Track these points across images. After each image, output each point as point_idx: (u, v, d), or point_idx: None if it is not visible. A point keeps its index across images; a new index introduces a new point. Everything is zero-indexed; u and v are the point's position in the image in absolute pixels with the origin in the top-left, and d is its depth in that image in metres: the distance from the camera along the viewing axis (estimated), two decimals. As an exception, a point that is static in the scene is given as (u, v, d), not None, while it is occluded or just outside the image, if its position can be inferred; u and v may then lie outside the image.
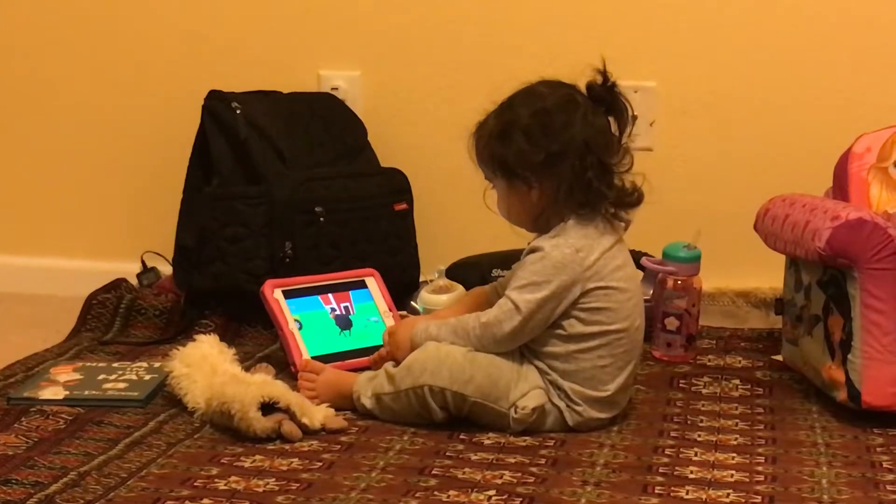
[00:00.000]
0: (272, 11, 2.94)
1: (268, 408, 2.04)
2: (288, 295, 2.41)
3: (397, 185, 2.78)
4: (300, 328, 2.39)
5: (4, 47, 3.04)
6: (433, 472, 1.91)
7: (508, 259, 2.28)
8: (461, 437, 2.07)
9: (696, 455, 2.01)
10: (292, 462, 1.94)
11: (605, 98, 2.11)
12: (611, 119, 2.11)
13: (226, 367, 2.18)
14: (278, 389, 2.07)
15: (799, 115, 2.80)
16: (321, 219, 2.64)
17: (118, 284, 2.81)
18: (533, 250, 2.09)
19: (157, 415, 2.15)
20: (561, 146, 2.07)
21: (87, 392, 2.22)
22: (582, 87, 2.12)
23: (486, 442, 2.05)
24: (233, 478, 1.87)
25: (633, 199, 2.13)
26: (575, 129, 2.07)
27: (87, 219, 3.06)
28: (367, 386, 2.16)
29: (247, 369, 2.25)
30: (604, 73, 2.10)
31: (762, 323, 2.75)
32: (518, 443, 2.05)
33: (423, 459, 1.96)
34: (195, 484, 1.84)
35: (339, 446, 2.02)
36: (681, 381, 2.40)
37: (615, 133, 2.11)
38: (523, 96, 2.13)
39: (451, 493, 1.82)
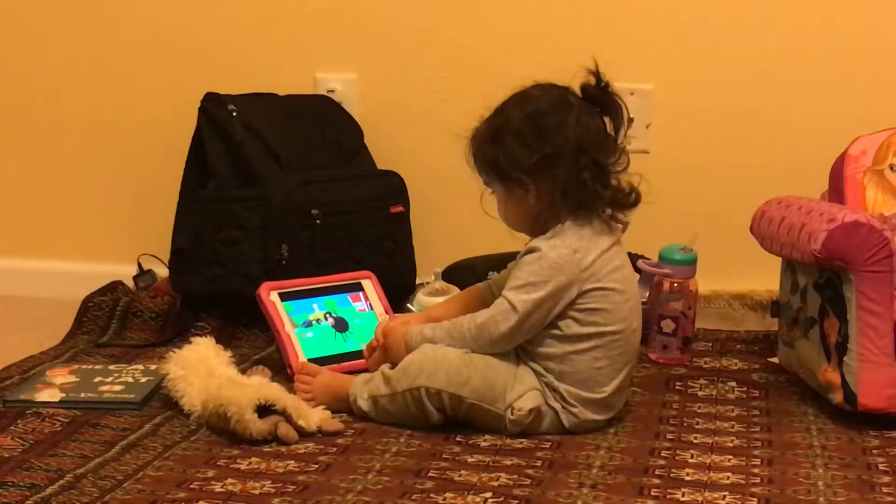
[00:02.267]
0: (268, 14, 2.94)
1: (264, 410, 2.04)
2: (284, 297, 2.41)
3: (393, 187, 2.78)
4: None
5: (2, 49, 3.04)
6: (429, 474, 1.91)
7: (505, 262, 2.28)
8: (457, 439, 2.07)
9: (692, 457, 2.01)
10: (288, 464, 1.94)
11: (599, 98, 2.11)
12: (606, 120, 2.12)
13: (222, 369, 2.18)
14: (275, 392, 2.07)
15: (795, 117, 2.80)
16: (317, 221, 2.63)
17: (114, 287, 2.81)
18: (530, 251, 2.09)
19: (154, 417, 2.15)
20: (555, 147, 2.08)
21: (83, 394, 2.22)
22: (576, 88, 2.12)
23: (483, 444, 2.05)
24: (229, 480, 1.87)
25: (630, 199, 2.13)
26: (568, 130, 2.07)
27: (84, 221, 3.06)
28: (363, 388, 2.16)
29: (243, 372, 2.25)
30: (597, 74, 2.11)
31: (758, 325, 2.75)
32: (514, 445, 2.05)
33: (420, 462, 1.96)
34: (191, 486, 1.84)
35: (335, 448, 2.02)
36: (677, 384, 2.40)
37: (610, 133, 2.11)
38: (516, 100, 2.13)
39: (448, 495, 1.82)
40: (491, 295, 2.25)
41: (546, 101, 2.10)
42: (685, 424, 2.17)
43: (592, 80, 2.11)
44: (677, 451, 2.03)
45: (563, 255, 2.06)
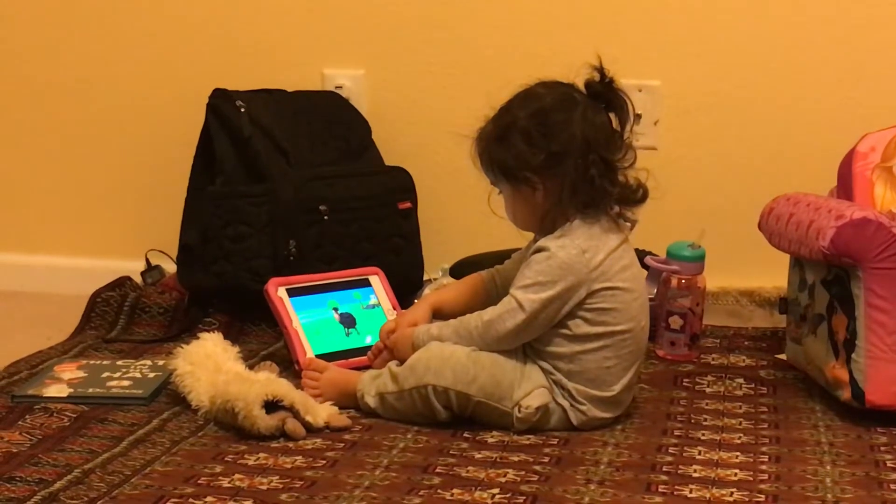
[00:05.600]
0: (276, 10, 2.94)
1: (272, 406, 2.04)
2: (292, 293, 2.42)
3: (401, 183, 2.78)
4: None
5: (8, 46, 3.04)
6: (437, 470, 1.91)
7: (513, 258, 2.28)
8: (465, 435, 2.07)
9: (699, 454, 2.01)
10: (296, 460, 1.94)
11: (604, 95, 2.11)
12: (612, 116, 2.11)
13: (229, 365, 2.18)
14: (282, 387, 2.07)
15: (803, 114, 2.80)
16: (325, 217, 2.64)
17: (122, 282, 2.81)
18: (539, 250, 2.09)
19: (161, 413, 2.15)
20: (561, 145, 2.07)
21: (91, 390, 2.22)
22: (581, 85, 2.12)
23: (490, 440, 2.05)
24: (236, 476, 1.87)
25: (637, 196, 2.12)
26: (574, 128, 2.07)
27: (92, 217, 3.06)
28: (370, 385, 2.16)
29: (251, 367, 2.25)
30: (601, 70, 2.10)
31: (766, 322, 2.75)
32: (522, 441, 2.05)
33: (427, 458, 1.96)
34: (199, 482, 1.84)
35: (342, 444, 2.02)
36: (684, 380, 2.40)
37: (616, 129, 2.11)
38: (521, 98, 2.13)
39: (455, 491, 1.82)
40: (493, 284, 2.25)
41: (551, 99, 2.10)
42: (693, 421, 2.17)
43: (597, 77, 2.10)
44: (685, 448, 2.03)
45: (572, 255, 2.06)
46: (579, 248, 2.07)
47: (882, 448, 2.05)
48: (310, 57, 2.94)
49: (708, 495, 1.83)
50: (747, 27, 2.81)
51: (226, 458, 1.95)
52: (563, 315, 2.08)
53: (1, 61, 3.05)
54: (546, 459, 1.97)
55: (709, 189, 2.84)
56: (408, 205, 2.77)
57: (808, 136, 2.79)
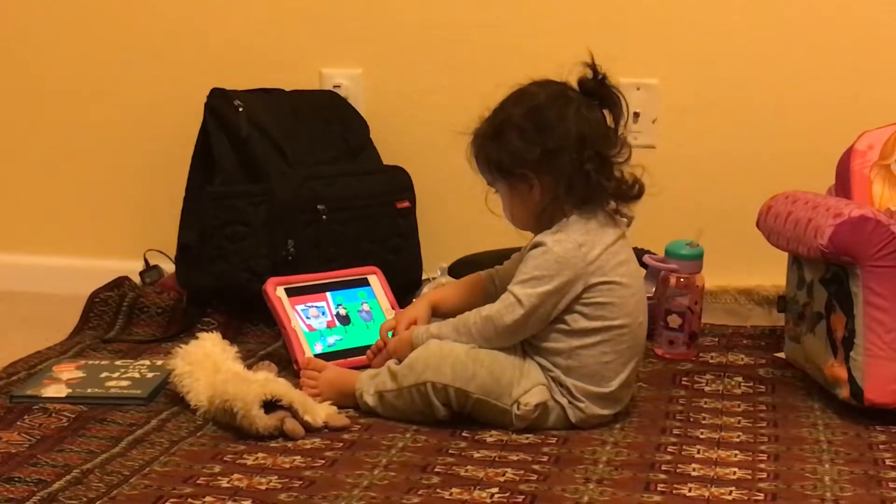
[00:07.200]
0: (274, 9, 2.94)
1: (270, 406, 2.04)
2: (290, 293, 2.42)
3: (399, 182, 2.78)
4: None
5: (6, 46, 3.04)
6: (436, 469, 1.91)
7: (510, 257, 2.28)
8: (463, 434, 2.07)
9: (698, 452, 2.01)
10: (295, 460, 1.94)
11: (597, 91, 2.11)
12: (606, 112, 2.12)
13: (228, 365, 2.18)
14: (281, 387, 2.07)
15: (801, 112, 2.80)
16: (323, 217, 2.64)
17: (121, 282, 2.81)
18: (535, 245, 2.09)
19: (160, 413, 2.15)
20: (556, 141, 2.08)
21: (89, 390, 2.22)
22: (574, 83, 2.12)
23: (489, 439, 2.05)
24: (235, 475, 1.87)
25: (633, 191, 2.13)
26: (569, 124, 2.08)
27: (90, 217, 3.06)
28: (369, 383, 2.16)
29: (249, 367, 2.25)
30: (593, 67, 2.11)
31: (765, 320, 2.75)
32: (520, 440, 2.05)
33: (426, 457, 1.96)
34: (198, 482, 1.84)
35: (341, 444, 2.02)
36: (683, 379, 2.40)
37: (611, 125, 2.12)
38: (515, 97, 2.14)
39: (454, 490, 1.82)
40: (493, 284, 2.26)
41: (545, 96, 2.11)
42: (691, 420, 2.17)
43: (589, 74, 2.11)
44: (683, 447, 2.03)
45: (569, 249, 2.07)
46: (575, 242, 2.07)
47: (881, 446, 2.05)
48: (308, 56, 2.94)
49: (707, 494, 1.83)
50: (745, 26, 2.81)
51: (224, 458, 1.95)
52: (561, 310, 2.08)
53: (0, 62, 3.05)
54: (545, 458, 1.97)
55: (707, 187, 2.84)
56: (406, 204, 2.77)
57: (807, 134, 2.79)
